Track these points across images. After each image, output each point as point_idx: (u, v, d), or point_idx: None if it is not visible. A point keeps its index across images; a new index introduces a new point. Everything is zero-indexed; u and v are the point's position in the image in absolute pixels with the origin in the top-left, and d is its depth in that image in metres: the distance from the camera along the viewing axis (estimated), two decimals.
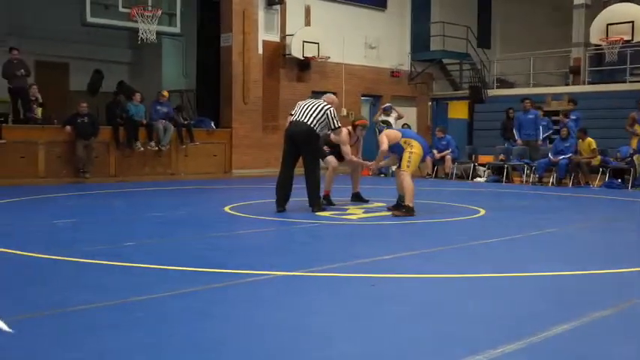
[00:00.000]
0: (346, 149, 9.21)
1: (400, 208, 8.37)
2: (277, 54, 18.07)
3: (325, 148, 9.51)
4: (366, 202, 9.62)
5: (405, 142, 8.46)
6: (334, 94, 19.27)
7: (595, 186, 13.71)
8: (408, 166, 8.33)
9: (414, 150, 8.38)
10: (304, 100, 8.90)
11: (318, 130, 8.49)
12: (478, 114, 19.85)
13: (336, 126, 8.59)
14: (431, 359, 3.11)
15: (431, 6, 21.80)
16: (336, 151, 9.52)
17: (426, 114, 21.82)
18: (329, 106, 8.58)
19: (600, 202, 11.22)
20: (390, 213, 8.42)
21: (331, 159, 9.54)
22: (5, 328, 3.20)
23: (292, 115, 8.72)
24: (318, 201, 8.61)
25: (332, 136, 9.37)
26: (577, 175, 14.04)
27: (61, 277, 4.80)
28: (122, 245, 6.07)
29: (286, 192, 8.56)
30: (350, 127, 9.48)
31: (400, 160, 8.50)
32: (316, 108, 8.49)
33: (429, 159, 15.54)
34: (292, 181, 8.61)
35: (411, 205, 8.21)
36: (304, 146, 8.46)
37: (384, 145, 8.50)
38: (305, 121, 8.40)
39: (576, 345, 3.31)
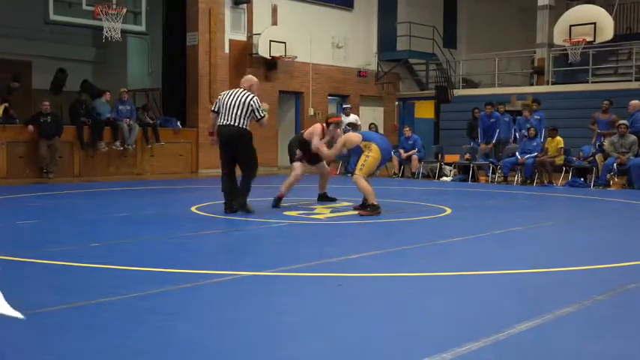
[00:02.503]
0: (315, 141, 8.85)
1: (366, 207, 8.40)
2: (244, 53, 18.03)
3: (298, 151, 9.13)
4: (334, 200, 9.56)
5: (364, 146, 8.41)
6: (300, 93, 19.52)
7: (559, 185, 13.93)
8: (360, 169, 8.30)
9: (371, 154, 8.31)
10: (227, 92, 8.40)
11: (248, 127, 8.17)
12: (444, 114, 20.03)
13: (261, 115, 8.18)
14: (397, 358, 3.12)
15: (397, 6, 21.94)
16: (310, 151, 9.14)
17: (392, 114, 21.96)
18: (252, 96, 8.17)
19: (564, 200, 11.40)
20: (356, 212, 8.44)
21: (298, 164, 9.08)
22: (16, 314, 3.01)
23: (214, 111, 8.34)
24: (244, 201, 8.25)
25: (305, 133, 9.16)
26: (541, 173, 14.24)
27: (26, 279, 4.72)
28: (88, 246, 5.99)
29: (233, 196, 8.27)
30: (324, 124, 9.10)
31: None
32: (240, 103, 8.08)
33: (395, 158, 15.65)
34: (236, 183, 8.33)
35: (375, 202, 8.23)
36: (239, 149, 8.17)
37: (335, 149, 8.70)
38: (234, 123, 8.06)
39: (541, 342, 3.35)
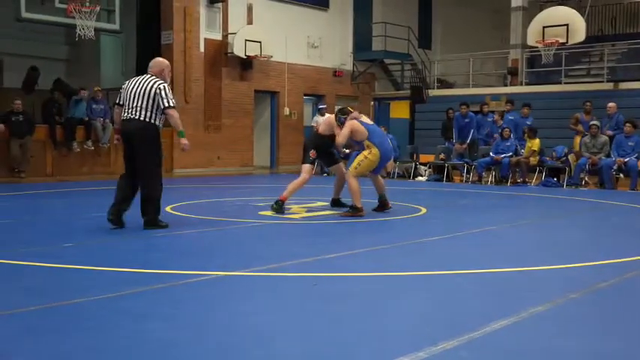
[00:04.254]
0: (341, 139, 8.30)
1: (384, 206, 8.40)
2: (219, 52, 17.95)
3: (312, 152, 8.49)
4: (346, 206, 8.52)
5: (367, 145, 8.26)
6: (276, 93, 19.47)
7: (532, 185, 14.06)
8: (355, 168, 8.25)
9: (369, 156, 8.22)
10: (132, 80, 7.06)
11: (156, 121, 6.84)
12: (419, 114, 20.11)
13: (169, 104, 6.78)
14: (372, 357, 3.12)
15: (373, 6, 21.98)
16: (327, 152, 8.67)
17: (368, 114, 21.98)
18: (159, 82, 6.85)
19: (537, 200, 11.50)
20: (337, 213, 8.37)
21: (307, 167, 8.51)
22: None
23: (118, 104, 7.06)
24: (153, 216, 6.93)
25: (321, 127, 8.67)
26: (514, 173, 14.38)
27: None
28: (61, 246, 5.92)
29: (125, 206, 6.92)
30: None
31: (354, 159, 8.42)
32: (145, 92, 6.77)
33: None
34: (134, 191, 6.96)
35: (358, 205, 8.20)
36: (139, 146, 6.80)
37: (343, 134, 8.19)
38: (137, 116, 6.76)
39: (515, 340, 3.37)
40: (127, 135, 6.86)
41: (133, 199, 6.94)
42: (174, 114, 6.84)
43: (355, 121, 8.37)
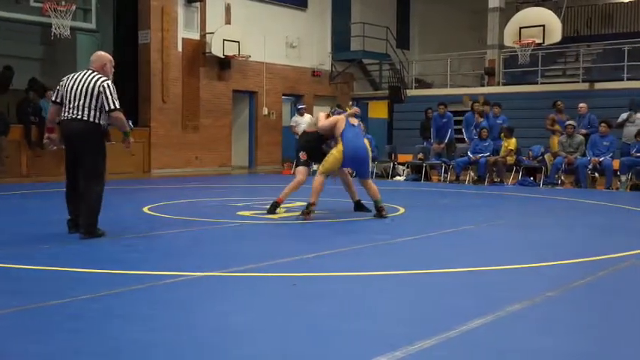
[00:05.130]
0: (322, 124, 8.24)
1: (380, 211, 8.17)
2: (197, 52, 17.88)
3: (301, 154, 8.46)
4: (369, 211, 8.51)
5: (338, 140, 8.11)
6: (254, 92, 19.43)
7: (509, 184, 14.17)
8: (322, 165, 8.15)
9: (334, 152, 8.09)
10: (71, 76, 6.51)
11: (100, 121, 6.38)
12: (397, 114, 20.18)
13: (114, 107, 6.33)
14: (350, 357, 3.13)
15: (351, 6, 22.03)
16: (318, 150, 8.48)
17: None
18: (102, 78, 6.37)
19: (514, 199, 11.60)
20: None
21: (300, 169, 8.43)
22: None
23: (54, 102, 6.57)
24: (91, 224, 6.39)
25: (307, 127, 8.57)
26: (492, 173, 14.49)
27: None
28: (38, 248, 5.86)
29: (78, 212, 6.54)
30: (329, 113, 8.60)
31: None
32: (87, 90, 6.28)
33: None
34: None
35: (311, 200, 7.92)
36: (82, 148, 6.37)
37: (327, 121, 8.14)
38: (78, 116, 6.29)
39: (494, 338, 3.40)
40: (69, 136, 6.42)
41: None
42: (119, 116, 6.40)
43: (342, 117, 8.29)
